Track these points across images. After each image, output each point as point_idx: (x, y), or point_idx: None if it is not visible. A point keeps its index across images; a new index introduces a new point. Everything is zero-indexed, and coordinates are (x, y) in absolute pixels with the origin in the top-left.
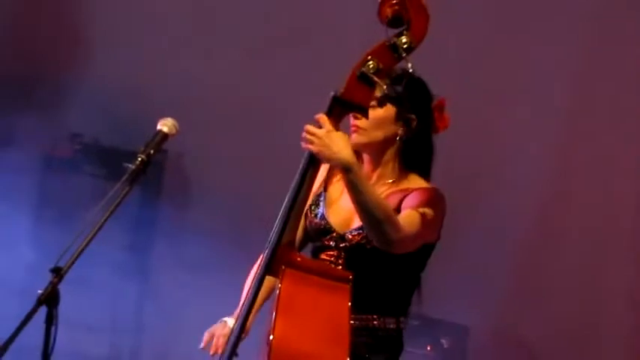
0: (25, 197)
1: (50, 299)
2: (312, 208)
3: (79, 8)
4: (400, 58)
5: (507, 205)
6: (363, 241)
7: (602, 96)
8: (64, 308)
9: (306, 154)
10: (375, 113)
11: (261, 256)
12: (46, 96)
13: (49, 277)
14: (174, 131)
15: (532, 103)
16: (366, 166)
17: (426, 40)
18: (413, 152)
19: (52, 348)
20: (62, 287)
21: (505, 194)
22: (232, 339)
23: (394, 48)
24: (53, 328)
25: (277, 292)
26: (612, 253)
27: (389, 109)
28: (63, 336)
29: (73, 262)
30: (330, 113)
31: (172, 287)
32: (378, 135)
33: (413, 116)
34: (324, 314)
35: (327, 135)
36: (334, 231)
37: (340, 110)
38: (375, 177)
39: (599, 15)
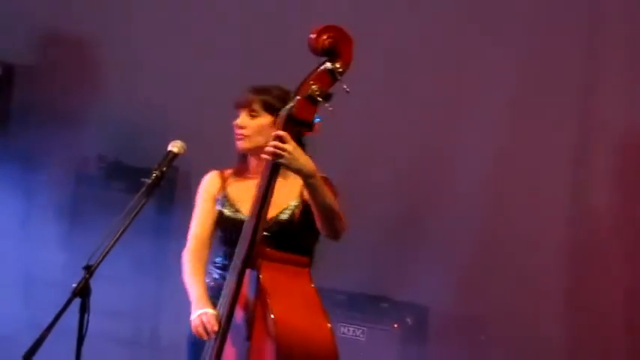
0: (59, 208)
1: (83, 291)
2: (224, 209)
3: (101, 41)
4: (336, 80)
5: (461, 203)
6: (279, 228)
7: (537, 105)
8: (94, 299)
9: (270, 165)
10: (256, 122)
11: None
12: (75, 121)
13: (81, 273)
14: (182, 151)
15: (475, 111)
16: (253, 167)
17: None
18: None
19: (85, 332)
20: (92, 281)
21: (460, 192)
22: (224, 323)
23: (331, 73)
24: (86, 316)
25: (256, 281)
26: (545, 245)
27: (267, 118)
28: (93, 321)
29: (101, 260)
30: (285, 129)
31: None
32: (260, 140)
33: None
34: (298, 294)
35: (295, 150)
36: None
37: (292, 126)
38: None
39: (536, 22)
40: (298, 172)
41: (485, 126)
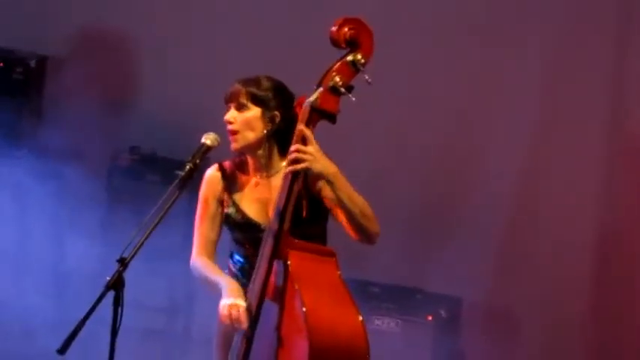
0: (93, 200)
1: (117, 284)
2: (230, 212)
3: (136, 32)
4: (358, 71)
5: (493, 195)
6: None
7: (569, 97)
8: (129, 291)
9: (290, 168)
10: (244, 115)
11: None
12: (110, 113)
13: (115, 266)
14: (215, 143)
15: (506, 101)
16: (252, 165)
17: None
18: (285, 140)
19: (120, 324)
20: (126, 274)
21: (491, 182)
22: (254, 315)
23: (353, 64)
24: (120, 309)
25: (285, 271)
26: (578, 234)
27: (255, 110)
28: (127, 314)
29: (135, 253)
30: (308, 123)
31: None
32: (250, 135)
33: (276, 113)
34: (327, 284)
35: (317, 152)
36: (259, 224)
37: (316, 119)
38: (264, 171)
39: (565, 23)
40: (321, 173)
41: (516, 116)
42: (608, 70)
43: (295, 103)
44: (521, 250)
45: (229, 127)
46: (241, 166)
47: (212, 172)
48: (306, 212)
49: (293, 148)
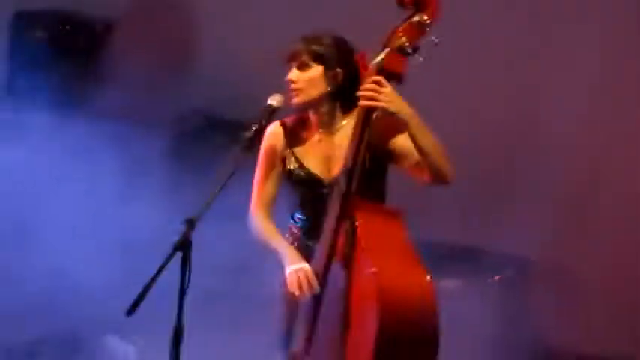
0: (160, 164)
1: (184, 245)
2: (293, 167)
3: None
4: (424, 32)
5: (560, 156)
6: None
7: (630, 74)
8: (195, 252)
9: (364, 111)
10: (306, 74)
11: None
12: (174, 76)
13: (182, 227)
14: (281, 104)
15: (564, 65)
16: (313, 121)
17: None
18: (348, 97)
19: (188, 284)
20: (195, 234)
21: (552, 142)
22: (322, 277)
23: (420, 25)
24: (187, 270)
25: (353, 232)
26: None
27: (317, 69)
28: (195, 274)
29: (202, 214)
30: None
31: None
32: (313, 93)
33: (338, 70)
34: (394, 245)
35: (392, 92)
36: (323, 180)
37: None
38: (327, 128)
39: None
40: (398, 113)
41: (574, 81)
42: None
43: (357, 59)
44: (589, 212)
45: (292, 86)
46: (303, 123)
47: (274, 129)
48: (369, 164)
49: (368, 86)
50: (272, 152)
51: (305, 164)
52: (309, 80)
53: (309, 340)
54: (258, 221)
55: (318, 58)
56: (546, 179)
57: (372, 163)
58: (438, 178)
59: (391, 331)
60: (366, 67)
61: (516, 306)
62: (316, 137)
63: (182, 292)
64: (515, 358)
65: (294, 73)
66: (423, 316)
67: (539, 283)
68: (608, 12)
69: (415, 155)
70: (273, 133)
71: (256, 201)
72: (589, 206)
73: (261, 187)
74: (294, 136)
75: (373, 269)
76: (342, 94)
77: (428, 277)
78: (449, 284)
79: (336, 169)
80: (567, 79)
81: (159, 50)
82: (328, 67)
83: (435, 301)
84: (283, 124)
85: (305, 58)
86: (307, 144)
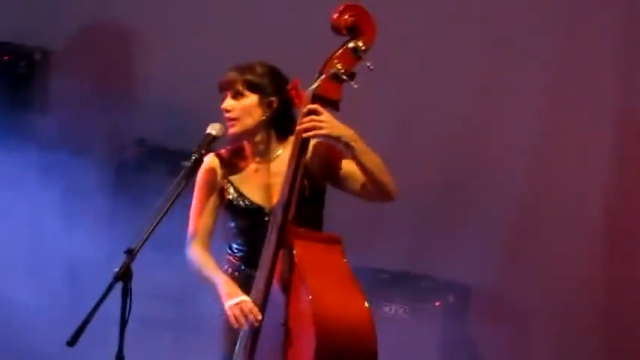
0: (101, 193)
1: (125, 275)
2: (232, 197)
3: (140, 24)
4: (360, 58)
5: (502, 184)
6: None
7: (578, 81)
8: (137, 282)
9: (299, 142)
10: (241, 103)
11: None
12: (115, 106)
13: (123, 257)
14: (221, 133)
15: (516, 85)
16: (249, 151)
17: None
18: (283, 125)
19: (128, 316)
20: (135, 264)
21: (500, 169)
22: (262, 307)
23: (355, 51)
24: (128, 300)
25: (291, 259)
26: (588, 222)
27: (252, 97)
28: (136, 305)
29: (142, 244)
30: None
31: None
32: (249, 122)
33: (273, 98)
34: (332, 271)
35: (330, 118)
36: (264, 208)
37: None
38: (263, 156)
39: (573, 16)
40: (341, 137)
41: (526, 101)
42: (618, 53)
43: (290, 87)
44: (530, 240)
45: (227, 115)
46: (238, 153)
47: (209, 160)
48: (308, 191)
49: (306, 118)
50: (209, 183)
51: (245, 194)
52: (244, 109)
53: None
54: (195, 254)
55: (252, 87)
56: (489, 208)
57: (311, 190)
58: (384, 194)
59: (328, 353)
60: (299, 95)
61: (458, 333)
62: (253, 166)
63: (123, 322)
64: None
65: (228, 103)
66: (361, 341)
67: (481, 310)
68: (561, 22)
69: (360, 176)
70: (209, 164)
71: (193, 233)
72: (529, 234)
73: (197, 218)
74: (230, 166)
75: (309, 296)
76: (277, 122)
77: (365, 304)
78: (392, 310)
79: (276, 196)
80: (513, 109)
81: (99, 78)
82: (263, 95)
83: (372, 325)
84: (219, 155)
85: (239, 87)
86: (244, 173)
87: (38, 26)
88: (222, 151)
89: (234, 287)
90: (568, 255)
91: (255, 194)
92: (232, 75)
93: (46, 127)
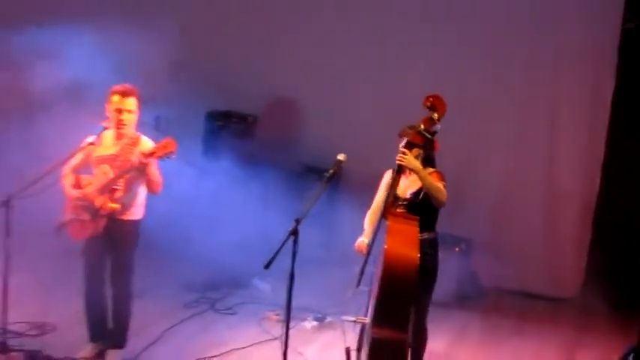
0: (282, 194)
1: (294, 233)
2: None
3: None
4: (435, 123)
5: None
6: (413, 200)
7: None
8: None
9: (396, 166)
10: (413, 153)
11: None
12: (291, 143)
13: (292, 224)
14: (345, 160)
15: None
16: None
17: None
18: (429, 160)
19: (295, 254)
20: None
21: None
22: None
23: (432, 120)
24: (296, 246)
25: (386, 226)
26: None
27: (416, 151)
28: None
29: (304, 216)
30: (406, 147)
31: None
32: (408, 162)
33: (427, 147)
34: (408, 235)
35: (410, 157)
36: (400, 197)
37: (410, 147)
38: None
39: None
40: (413, 168)
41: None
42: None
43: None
44: (512, 205)
45: (400, 155)
46: (396, 172)
47: (388, 172)
48: (419, 198)
49: (399, 156)
50: (383, 182)
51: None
52: (411, 157)
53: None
54: (368, 215)
55: (420, 145)
56: (481, 197)
57: (419, 197)
58: (438, 203)
59: (389, 277)
60: (437, 145)
61: (466, 266)
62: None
63: (293, 258)
64: None
65: (403, 146)
66: (407, 274)
67: (479, 252)
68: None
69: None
70: (387, 173)
71: (373, 204)
72: (511, 202)
73: (377, 197)
74: (391, 177)
75: (385, 246)
76: (425, 158)
77: (416, 254)
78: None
79: (404, 193)
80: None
81: (277, 134)
82: (424, 148)
83: (416, 268)
84: (392, 170)
85: (417, 140)
86: (402, 182)
87: (246, 101)
88: (390, 170)
89: (366, 232)
90: (539, 213)
91: (400, 190)
92: (408, 130)
93: (254, 152)
